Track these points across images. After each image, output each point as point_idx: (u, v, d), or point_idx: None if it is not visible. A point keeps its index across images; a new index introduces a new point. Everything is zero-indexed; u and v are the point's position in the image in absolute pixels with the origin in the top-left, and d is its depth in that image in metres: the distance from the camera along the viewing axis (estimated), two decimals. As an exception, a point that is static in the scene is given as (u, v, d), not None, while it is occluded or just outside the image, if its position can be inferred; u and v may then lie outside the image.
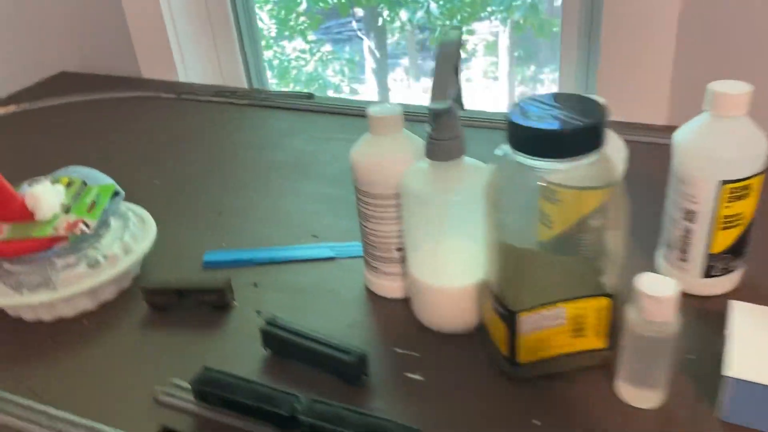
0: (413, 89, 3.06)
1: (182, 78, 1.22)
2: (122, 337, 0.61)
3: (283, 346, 0.56)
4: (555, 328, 0.49)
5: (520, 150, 0.45)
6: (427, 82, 0.50)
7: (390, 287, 0.61)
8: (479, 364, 0.54)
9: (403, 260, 0.59)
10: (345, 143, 0.93)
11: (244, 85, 1.29)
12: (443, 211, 0.52)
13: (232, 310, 0.63)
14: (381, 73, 2.92)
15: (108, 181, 0.71)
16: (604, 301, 0.49)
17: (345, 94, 2.91)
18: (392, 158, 0.55)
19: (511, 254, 0.48)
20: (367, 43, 2.90)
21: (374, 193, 0.56)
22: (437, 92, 0.49)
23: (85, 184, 0.68)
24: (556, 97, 0.47)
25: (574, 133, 0.43)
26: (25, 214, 0.63)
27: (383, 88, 2.93)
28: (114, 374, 0.57)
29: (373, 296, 0.63)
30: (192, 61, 1.23)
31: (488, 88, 2.96)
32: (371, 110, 0.55)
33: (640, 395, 0.49)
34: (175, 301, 0.62)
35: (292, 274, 0.67)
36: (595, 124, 0.43)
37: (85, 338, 0.61)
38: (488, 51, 2.92)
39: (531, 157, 0.44)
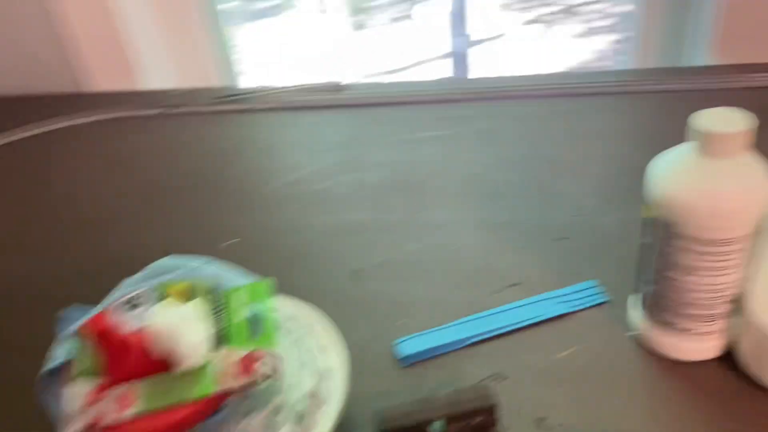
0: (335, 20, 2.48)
1: (142, 85, 0.94)
2: None
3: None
4: None
5: None
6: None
7: (700, 349, 0.46)
8: None
9: (730, 313, 0.44)
10: (441, 142, 0.74)
11: (213, 83, 1.03)
12: None
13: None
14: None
15: (239, 276, 0.48)
16: None
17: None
18: (749, 193, 0.39)
19: None
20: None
21: (714, 239, 0.40)
22: None
23: (216, 289, 0.45)
24: None
25: None
26: (154, 364, 0.40)
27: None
28: None
29: (666, 363, 0.47)
30: (148, 63, 0.95)
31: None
32: (707, 124, 0.39)
33: None
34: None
35: (529, 349, 0.49)
36: None
37: None
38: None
39: None
